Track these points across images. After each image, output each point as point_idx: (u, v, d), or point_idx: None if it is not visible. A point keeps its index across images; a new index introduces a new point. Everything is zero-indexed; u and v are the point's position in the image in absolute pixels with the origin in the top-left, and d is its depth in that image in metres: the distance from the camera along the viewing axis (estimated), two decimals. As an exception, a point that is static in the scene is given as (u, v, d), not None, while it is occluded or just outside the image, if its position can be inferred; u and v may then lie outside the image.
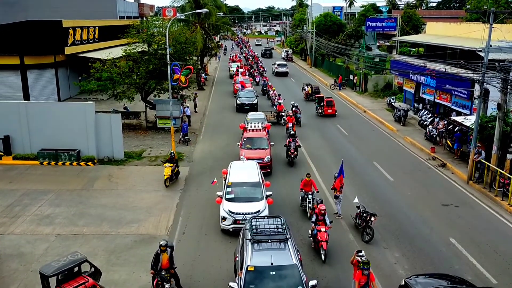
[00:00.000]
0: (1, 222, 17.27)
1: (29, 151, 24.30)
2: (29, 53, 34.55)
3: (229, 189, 17.47)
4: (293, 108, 32.82)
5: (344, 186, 18.34)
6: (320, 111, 36.76)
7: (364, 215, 16.33)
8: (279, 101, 35.46)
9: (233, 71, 56.10)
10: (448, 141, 26.17)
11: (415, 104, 36.38)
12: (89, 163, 23.86)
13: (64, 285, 11.65)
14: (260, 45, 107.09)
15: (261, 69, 58.45)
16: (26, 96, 34.67)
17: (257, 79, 52.33)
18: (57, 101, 35.86)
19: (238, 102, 37.99)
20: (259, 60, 69.87)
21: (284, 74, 59.90)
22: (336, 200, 18.09)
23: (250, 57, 73.87)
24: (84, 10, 49.86)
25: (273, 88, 42.66)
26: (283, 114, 33.40)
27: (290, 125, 29.54)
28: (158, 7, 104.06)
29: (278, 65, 61.28)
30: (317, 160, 25.24)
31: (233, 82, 49.10)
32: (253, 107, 36.94)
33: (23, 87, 34.95)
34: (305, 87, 45.08)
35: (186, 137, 28.13)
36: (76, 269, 12.06)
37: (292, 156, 24.03)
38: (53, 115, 24.01)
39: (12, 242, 15.82)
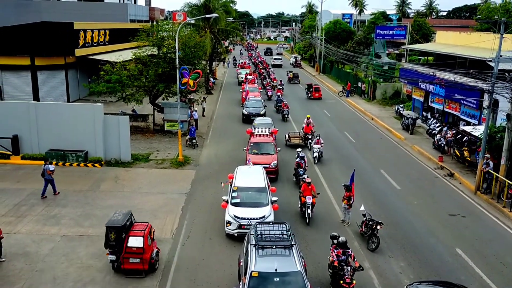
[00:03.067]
0: (8, 221, 17.38)
1: (37, 151, 24.47)
2: (40, 54, 34.90)
3: (234, 194, 17.44)
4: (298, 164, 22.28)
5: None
6: (309, 95, 48.33)
7: (370, 223, 16.24)
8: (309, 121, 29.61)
9: (242, 77, 54.73)
10: (457, 151, 25.98)
11: (424, 113, 36.24)
12: (96, 165, 23.98)
13: (132, 227, 14.24)
14: (281, 59, 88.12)
15: (274, 81, 52.94)
16: (36, 97, 35.01)
17: (269, 93, 47.28)
18: (66, 102, 36.14)
19: (245, 112, 35.96)
20: (270, 68, 66.46)
21: (279, 66, 78.49)
22: (349, 209, 17.95)
23: (260, 63, 73.62)
24: (95, 13, 50.39)
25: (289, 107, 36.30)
26: (311, 136, 28.07)
27: (309, 200, 17.63)
28: (169, 11, 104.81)
29: (275, 59, 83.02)
30: (324, 166, 25.14)
31: (241, 90, 47.76)
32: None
33: (33, 88, 35.29)
34: (288, 73, 61.51)
35: (194, 141, 28.20)
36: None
37: None
38: (62, 116, 24.19)
39: (18, 242, 15.91)
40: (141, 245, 13.75)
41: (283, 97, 41.28)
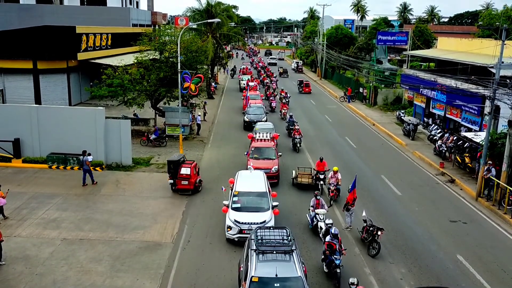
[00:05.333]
0: (8, 225, 17.37)
1: (38, 155, 24.49)
2: (42, 58, 35.01)
3: (235, 199, 17.43)
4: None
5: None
6: (300, 90, 56.24)
7: (371, 229, 16.20)
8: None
9: (244, 83, 53.15)
10: (458, 157, 25.94)
11: (425, 119, 36.24)
12: (97, 168, 23.96)
13: (184, 162, 21.50)
14: (275, 58, 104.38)
15: (282, 93, 45.80)
16: (38, 100, 35.08)
17: (273, 104, 43.12)
18: (68, 105, 36.21)
19: (246, 119, 34.99)
20: (274, 77, 62.14)
21: (274, 64, 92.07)
22: (348, 212, 17.98)
23: (262, 70, 73.02)
24: (98, 17, 50.68)
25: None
26: (323, 175, 21.87)
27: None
28: (171, 15, 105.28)
29: (271, 58, 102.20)
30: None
31: (242, 97, 46.44)
32: None
33: (35, 91, 35.38)
34: (279, 69, 76.21)
35: (163, 140, 29.07)
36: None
37: None
38: (64, 119, 24.23)
39: (18, 245, 15.89)
40: (189, 173, 21.00)
41: (294, 118, 34.19)
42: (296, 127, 30.34)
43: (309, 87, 55.97)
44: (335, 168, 21.03)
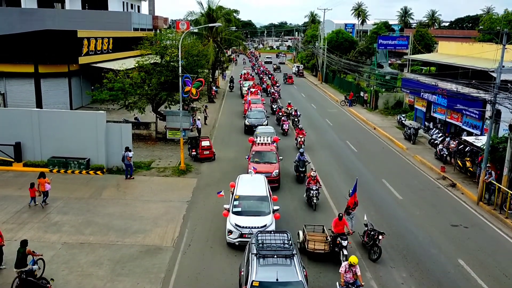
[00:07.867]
0: (9, 228, 17.36)
1: (39, 158, 24.51)
2: (43, 61, 35.06)
3: (236, 202, 17.41)
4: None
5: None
6: (285, 81, 68.56)
7: (372, 233, 16.17)
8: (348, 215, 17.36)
9: (246, 90, 50.69)
10: (459, 161, 25.91)
11: (426, 123, 36.24)
12: (98, 172, 23.99)
13: (201, 139, 27.51)
14: (270, 57, 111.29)
15: (289, 108, 40.49)
16: (39, 104, 35.10)
17: (285, 127, 34.51)
18: (69, 109, 36.24)
19: (247, 123, 35.05)
20: (278, 85, 56.61)
21: (269, 62, 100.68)
22: (348, 216, 17.93)
23: (265, 77, 71.68)
24: (99, 21, 50.75)
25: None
26: (346, 239, 15.36)
27: None
28: (172, 20, 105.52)
29: (267, 57, 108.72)
30: (326, 176, 25.05)
31: (243, 102, 45.76)
32: None
33: (36, 95, 35.41)
34: (274, 65, 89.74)
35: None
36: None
37: None
38: (65, 123, 24.26)
39: (18, 249, 15.86)
40: (209, 144, 27.18)
41: (306, 155, 25.00)
42: (312, 173, 20.41)
43: (291, 79, 69.55)
44: (354, 260, 12.87)
